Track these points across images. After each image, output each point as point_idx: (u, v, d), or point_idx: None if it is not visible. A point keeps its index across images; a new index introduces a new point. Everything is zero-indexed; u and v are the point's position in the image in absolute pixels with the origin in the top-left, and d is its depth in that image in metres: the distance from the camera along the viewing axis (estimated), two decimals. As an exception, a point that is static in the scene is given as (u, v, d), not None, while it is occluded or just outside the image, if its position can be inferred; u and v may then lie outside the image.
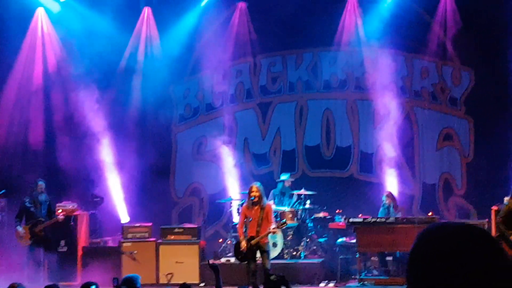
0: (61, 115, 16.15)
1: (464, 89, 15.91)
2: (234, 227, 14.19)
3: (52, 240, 13.78)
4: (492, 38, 15.29)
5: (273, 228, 11.42)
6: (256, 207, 11.42)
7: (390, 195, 14.13)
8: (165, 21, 16.67)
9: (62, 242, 14.30)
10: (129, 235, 14.53)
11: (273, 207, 13.44)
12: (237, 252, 11.67)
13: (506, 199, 12.06)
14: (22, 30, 16.35)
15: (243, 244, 11.39)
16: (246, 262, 11.48)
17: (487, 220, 13.33)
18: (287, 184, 15.03)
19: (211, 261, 9.95)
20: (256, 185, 11.55)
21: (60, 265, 13.95)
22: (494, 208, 13.07)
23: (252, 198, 11.39)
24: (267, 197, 13.26)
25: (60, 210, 13.75)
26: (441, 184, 15.92)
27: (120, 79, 16.37)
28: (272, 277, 8.12)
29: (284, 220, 12.09)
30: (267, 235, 11.48)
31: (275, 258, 13.45)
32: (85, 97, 15.76)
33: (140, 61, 16.72)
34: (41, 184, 13.77)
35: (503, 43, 15.04)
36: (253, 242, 11.33)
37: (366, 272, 13.80)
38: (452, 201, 15.77)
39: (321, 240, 14.69)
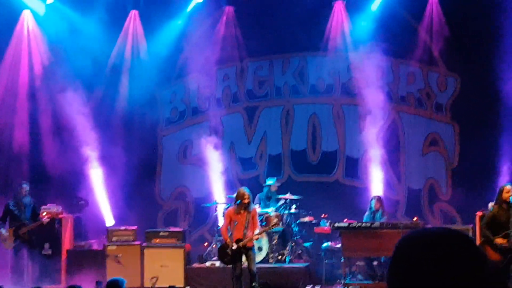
0: (47, 118, 16.08)
1: (450, 95, 15.99)
2: (219, 231, 14.17)
3: (36, 243, 13.71)
4: (478, 44, 15.38)
5: (259, 233, 11.46)
6: (242, 211, 11.49)
7: (379, 200, 14.08)
8: (152, 24, 16.64)
9: (47, 245, 14.23)
10: (114, 238, 14.48)
11: (258, 210, 13.48)
12: (221, 255, 11.67)
13: (490, 204, 12.12)
14: (7, 33, 16.28)
15: (234, 244, 11.41)
16: (231, 266, 11.49)
17: (471, 225, 13.38)
18: (273, 188, 15.05)
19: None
20: (247, 192, 11.64)
21: (44, 268, 13.89)
22: (479, 213, 13.12)
23: (243, 202, 11.47)
24: (253, 201, 13.29)
25: (44, 213, 13.69)
26: (426, 190, 15.97)
27: (106, 82, 16.31)
28: (254, 285, 8.15)
29: (274, 223, 12.13)
30: (255, 239, 11.54)
31: (260, 262, 13.46)
32: (71, 100, 15.68)
33: (127, 65, 16.67)
34: (25, 186, 13.71)
35: (489, 49, 15.11)
36: (241, 244, 11.35)
37: (351, 276, 13.81)
38: (437, 207, 15.82)
39: (307, 244, 14.70)
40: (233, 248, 11.42)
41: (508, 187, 10.59)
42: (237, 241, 11.39)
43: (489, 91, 15.18)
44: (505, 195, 10.44)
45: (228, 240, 11.54)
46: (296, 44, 16.30)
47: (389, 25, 15.59)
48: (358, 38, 16.03)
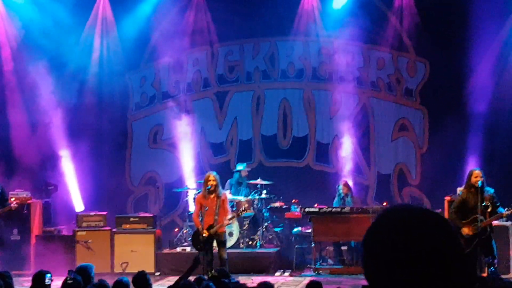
0: (15, 103, 15.87)
1: (419, 81, 16.08)
2: (190, 216, 14.16)
3: (5, 229, 13.58)
4: (448, 30, 15.47)
5: (231, 218, 11.45)
6: (212, 196, 11.45)
7: (346, 185, 14.25)
8: (121, 8, 16.47)
9: (15, 231, 14.12)
10: (84, 224, 14.41)
11: (229, 196, 13.46)
12: (195, 241, 11.64)
13: (459, 189, 12.25)
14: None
15: (205, 232, 11.38)
16: (203, 252, 11.47)
17: (440, 210, 13.50)
18: (243, 174, 15.05)
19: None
20: (212, 174, 11.58)
21: (13, 253, 13.77)
22: (448, 198, 13.26)
23: (209, 187, 11.41)
24: (224, 187, 13.27)
25: (13, 199, 13.56)
26: (396, 175, 16.09)
27: (75, 66, 16.12)
28: (211, 274, 8.22)
29: (243, 208, 12.10)
30: (226, 224, 11.55)
31: (231, 247, 13.48)
32: (40, 85, 15.50)
33: (96, 49, 16.51)
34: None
35: (458, 35, 15.23)
36: (212, 231, 11.33)
37: (321, 261, 13.91)
38: (407, 191, 15.95)
39: (277, 229, 14.75)
40: (203, 236, 11.40)
41: (477, 171, 10.69)
42: (208, 228, 11.37)
43: (458, 77, 15.31)
44: (473, 179, 10.54)
45: (200, 227, 11.52)
46: (266, 28, 16.26)
47: (360, 11, 15.62)
48: (329, 23, 16.06)
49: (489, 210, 10.44)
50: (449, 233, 1.80)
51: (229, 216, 11.50)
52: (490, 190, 10.63)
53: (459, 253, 1.77)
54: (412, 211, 1.83)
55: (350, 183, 14.70)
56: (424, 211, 1.82)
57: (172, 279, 8.92)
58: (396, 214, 1.83)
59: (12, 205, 13.28)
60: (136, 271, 7.67)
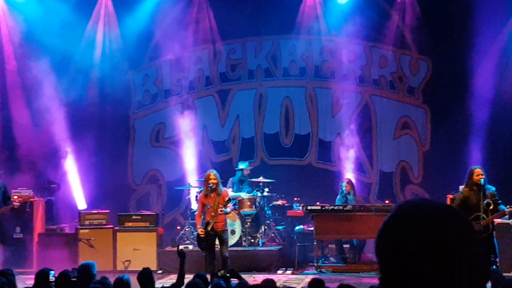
0: (18, 100, 15.90)
1: (422, 79, 16.08)
2: (192, 214, 14.17)
3: (8, 227, 13.61)
4: (450, 28, 15.46)
5: (221, 209, 11.26)
6: (213, 194, 11.43)
7: (350, 182, 14.23)
8: (124, 6, 16.48)
9: (18, 229, 14.14)
10: (86, 222, 14.41)
11: (232, 194, 13.44)
12: (199, 241, 11.63)
13: (461, 187, 12.23)
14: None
15: (200, 231, 11.37)
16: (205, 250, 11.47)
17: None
18: (245, 172, 15.02)
19: (180, 247, 9.86)
20: (213, 173, 11.56)
21: (16, 251, 13.80)
22: (450, 196, 13.23)
23: (211, 185, 11.39)
24: (226, 185, 13.27)
25: (16, 197, 13.58)
26: (398, 173, 16.08)
27: (77, 64, 16.14)
28: (221, 273, 8.21)
29: (228, 198, 11.69)
30: (220, 215, 11.30)
31: (233, 245, 13.49)
32: (43, 83, 15.53)
33: (98, 47, 16.52)
34: (-3, 170, 13.56)
35: (461, 33, 15.22)
36: (208, 227, 11.31)
37: (323, 259, 13.91)
38: (409, 189, 15.94)
39: (279, 227, 14.75)
40: (200, 234, 11.38)
41: (478, 169, 10.66)
42: (206, 224, 11.34)
43: (461, 75, 15.30)
44: (475, 177, 10.52)
45: (198, 226, 11.51)
46: (269, 27, 16.26)
47: (362, 9, 15.62)
48: (331, 22, 16.06)
49: (491, 208, 10.42)
50: (468, 227, 1.79)
51: (220, 208, 11.33)
52: (491, 188, 10.61)
53: (477, 248, 1.77)
54: (430, 205, 1.82)
55: (353, 181, 14.67)
56: (441, 205, 1.82)
57: (174, 277, 8.93)
58: (414, 207, 1.83)
59: (14, 203, 13.31)
60: (138, 269, 7.71)
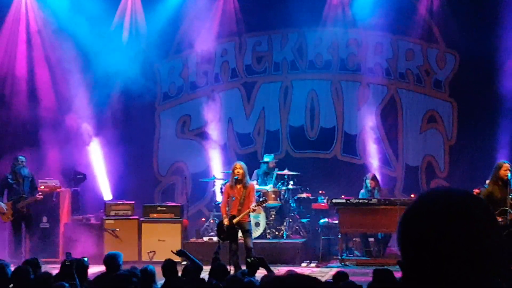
0: (44, 93, 16.00)
1: (449, 72, 15.95)
2: (217, 206, 14.21)
3: (34, 217, 13.74)
4: (477, 21, 15.31)
5: (254, 206, 11.38)
6: (239, 186, 11.44)
7: (374, 178, 14.04)
8: (150, -1, 16.54)
9: (44, 219, 14.28)
10: (112, 213, 14.52)
11: (256, 186, 13.44)
12: (219, 231, 11.66)
13: (487, 182, 12.14)
14: (4, 8, 16.17)
15: (226, 221, 11.39)
16: (228, 242, 11.49)
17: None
18: (271, 165, 15.00)
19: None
20: (239, 164, 11.57)
21: (42, 241, 13.95)
22: (476, 191, 13.07)
23: (236, 177, 11.40)
24: (251, 177, 13.27)
25: (42, 187, 13.70)
26: (424, 167, 15.99)
27: (104, 56, 16.20)
28: (250, 260, 8.16)
29: (264, 198, 12.01)
30: (248, 213, 11.46)
31: (258, 237, 13.50)
32: (69, 75, 15.65)
33: (125, 39, 16.58)
34: (22, 158, 13.67)
35: (489, 26, 15.07)
36: (234, 221, 11.33)
37: (347, 252, 13.87)
38: (435, 184, 15.82)
39: (304, 220, 14.74)
40: (225, 225, 11.41)
41: (507, 164, 10.57)
42: (232, 217, 11.37)
43: (488, 69, 15.16)
44: (502, 172, 10.44)
45: (224, 216, 11.53)
46: (295, 19, 16.18)
47: (389, 1, 15.52)
48: (358, 14, 15.97)
49: (517, 202, 10.34)
50: (490, 215, 1.78)
51: (253, 205, 11.41)
52: (517, 183, 10.53)
53: (499, 237, 1.76)
54: (452, 192, 1.81)
55: (378, 175, 14.58)
56: (466, 194, 1.81)
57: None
58: (437, 195, 1.82)
59: (37, 196, 13.42)
60: (163, 260, 7.76)
